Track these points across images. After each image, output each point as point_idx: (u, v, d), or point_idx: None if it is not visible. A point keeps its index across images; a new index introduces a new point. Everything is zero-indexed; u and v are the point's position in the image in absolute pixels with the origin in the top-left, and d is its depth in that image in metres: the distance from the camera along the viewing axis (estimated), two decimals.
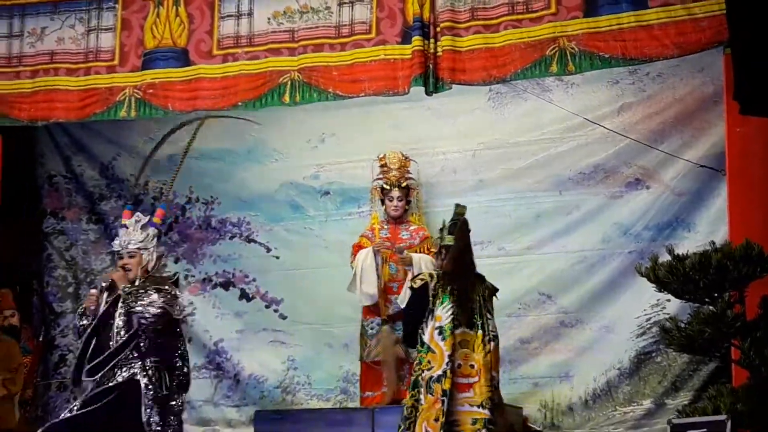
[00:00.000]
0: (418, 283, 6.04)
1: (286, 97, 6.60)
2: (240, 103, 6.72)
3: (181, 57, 6.87)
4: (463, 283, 6.03)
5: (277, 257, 8.35)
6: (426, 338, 5.88)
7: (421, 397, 5.75)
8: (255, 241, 8.41)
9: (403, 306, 6.70)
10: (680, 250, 6.30)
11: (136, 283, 6.03)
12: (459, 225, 6.12)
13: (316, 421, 7.39)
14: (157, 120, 7.64)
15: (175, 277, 6.22)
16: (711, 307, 5.96)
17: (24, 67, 6.93)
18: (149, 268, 6.09)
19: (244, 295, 8.38)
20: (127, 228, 6.13)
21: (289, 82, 6.60)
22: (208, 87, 6.72)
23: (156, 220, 6.20)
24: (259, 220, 8.39)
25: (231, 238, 8.45)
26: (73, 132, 8.66)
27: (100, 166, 8.69)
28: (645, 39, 6.29)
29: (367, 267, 7.29)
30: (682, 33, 6.26)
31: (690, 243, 7.07)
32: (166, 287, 6.01)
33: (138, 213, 6.20)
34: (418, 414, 5.75)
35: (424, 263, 7.24)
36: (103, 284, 6.04)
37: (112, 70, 6.98)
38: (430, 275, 6.08)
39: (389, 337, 7.22)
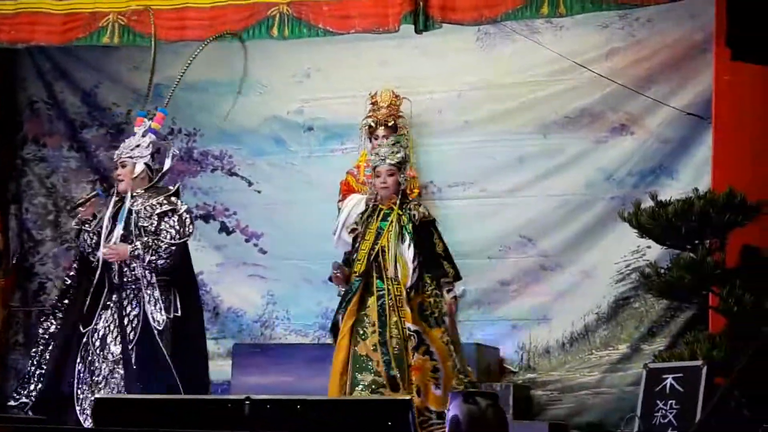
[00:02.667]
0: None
1: (275, 30, 6.54)
2: (226, 33, 6.63)
3: None
4: None
5: (259, 191, 8.32)
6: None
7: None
8: (237, 175, 8.37)
9: None
10: (663, 197, 6.34)
11: (136, 197, 5.88)
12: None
13: (294, 356, 7.45)
14: (142, 48, 7.54)
15: (177, 186, 6.08)
16: (691, 254, 5.99)
17: None
18: (151, 179, 5.98)
19: (224, 229, 8.36)
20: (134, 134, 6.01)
21: (277, 15, 6.53)
22: (196, 17, 6.64)
23: (155, 125, 6.08)
24: (241, 153, 8.34)
25: (213, 170, 8.41)
26: (56, 57, 8.54)
27: (82, 93, 8.58)
28: None
29: (354, 214, 7.23)
30: None
31: (673, 190, 7.07)
32: (168, 208, 5.88)
33: (146, 120, 6.06)
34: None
35: None
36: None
37: None
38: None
39: None
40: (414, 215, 6.03)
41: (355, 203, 7.25)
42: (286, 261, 8.17)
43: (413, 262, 5.94)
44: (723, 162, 6.63)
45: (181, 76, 6.28)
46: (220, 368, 7.97)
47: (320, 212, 7.70)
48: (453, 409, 4.85)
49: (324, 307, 7.98)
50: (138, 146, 6.03)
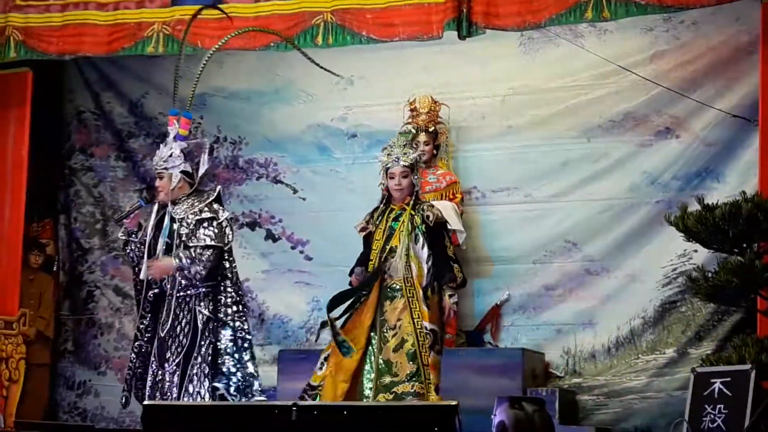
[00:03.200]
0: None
1: (319, 39, 6.57)
2: (272, 44, 6.68)
3: None
4: None
5: (304, 199, 8.37)
6: None
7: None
8: (282, 182, 8.42)
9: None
10: (709, 201, 6.26)
11: (179, 204, 5.89)
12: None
13: None
14: (187, 58, 7.61)
15: (217, 191, 6.03)
16: (739, 258, 5.94)
17: (54, 1, 6.90)
18: (181, 187, 5.95)
19: (270, 236, 8.41)
20: (166, 141, 5.99)
21: (322, 24, 6.55)
22: (241, 26, 6.66)
23: (182, 131, 6.00)
24: (286, 161, 8.39)
25: (258, 178, 8.47)
26: (103, 68, 8.66)
27: (129, 103, 8.70)
28: None
29: None
30: None
31: (718, 194, 7.01)
32: (209, 215, 5.88)
33: (175, 122, 6.01)
34: None
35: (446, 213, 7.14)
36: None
37: (141, 5, 6.95)
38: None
39: None
40: (428, 216, 6.05)
41: None
42: (332, 267, 8.16)
43: (427, 262, 5.95)
44: None
45: (198, 77, 6.23)
46: (266, 374, 8.01)
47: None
48: (499, 415, 4.84)
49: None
50: (171, 156, 5.97)
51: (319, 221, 8.27)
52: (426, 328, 5.86)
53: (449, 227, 6.70)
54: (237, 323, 5.90)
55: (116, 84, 8.70)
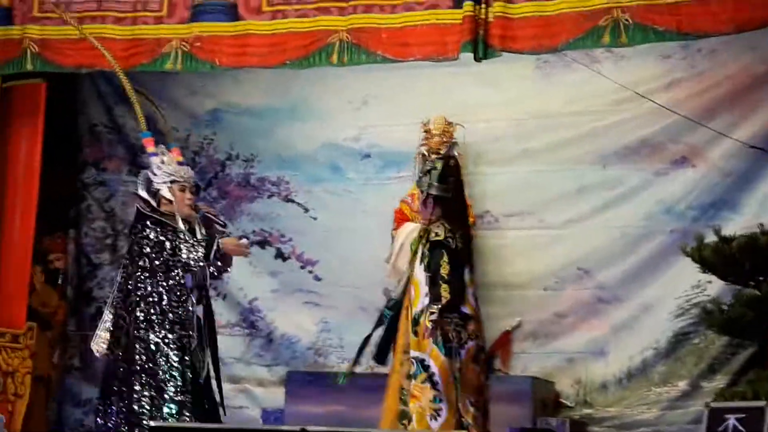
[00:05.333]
0: (451, 244, 5.67)
1: (334, 58, 6.51)
2: (287, 62, 6.64)
3: (230, 11, 6.79)
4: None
5: (315, 218, 8.31)
6: (464, 306, 5.62)
7: (463, 366, 5.54)
8: (293, 201, 8.37)
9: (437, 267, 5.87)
10: (725, 232, 6.23)
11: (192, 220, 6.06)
12: (453, 169, 5.80)
13: (348, 385, 7.35)
14: (201, 75, 7.60)
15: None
16: (755, 291, 5.88)
17: (71, 14, 6.88)
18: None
19: (280, 255, 8.36)
20: (164, 161, 6.13)
21: (337, 43, 6.50)
22: (257, 43, 6.64)
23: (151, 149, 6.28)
24: (298, 180, 8.34)
25: (269, 196, 8.42)
26: (116, 81, 8.53)
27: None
28: (701, 14, 6.14)
29: (408, 244, 7.15)
30: (740, 10, 6.11)
31: (735, 225, 6.93)
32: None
33: (161, 146, 6.28)
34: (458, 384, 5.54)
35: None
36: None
37: (159, 20, 6.92)
38: (453, 232, 5.71)
39: None
40: (434, 234, 5.82)
41: (409, 232, 7.18)
42: (341, 288, 8.14)
43: (426, 284, 5.75)
44: None
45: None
46: (273, 395, 7.99)
47: (376, 240, 7.65)
48: None
49: (379, 336, 7.93)
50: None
51: (330, 241, 8.22)
52: (411, 355, 5.67)
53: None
54: None
55: (129, 98, 8.66)
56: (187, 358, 5.92)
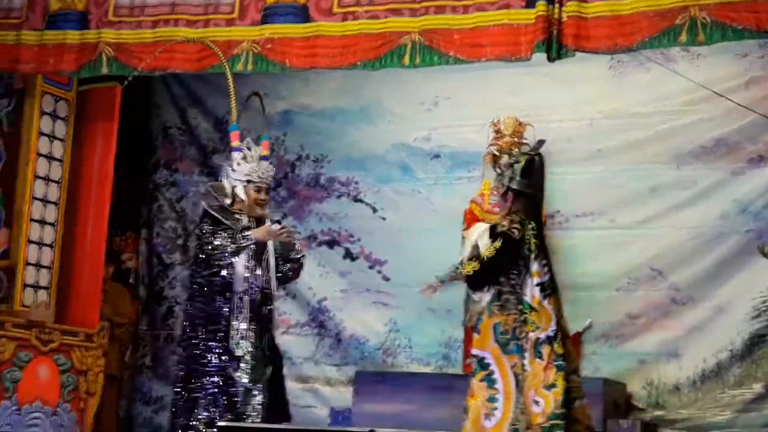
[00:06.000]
0: (516, 233, 5.44)
1: (406, 59, 6.45)
2: (359, 63, 6.59)
3: (301, 13, 6.76)
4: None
5: (384, 218, 8.32)
6: (527, 297, 5.38)
7: (525, 362, 5.26)
8: (362, 201, 8.38)
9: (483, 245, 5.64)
10: None
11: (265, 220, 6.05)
12: (537, 166, 5.62)
13: (416, 385, 7.37)
14: (270, 76, 7.61)
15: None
16: None
17: (145, 17, 6.93)
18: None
19: (349, 255, 8.37)
20: (247, 157, 6.12)
21: (409, 44, 6.45)
22: (327, 45, 6.60)
23: (265, 153, 6.23)
24: (367, 180, 8.36)
25: (338, 197, 8.44)
26: (190, 84, 8.72)
27: (214, 119, 8.74)
28: None
29: (480, 244, 7.08)
30: None
31: None
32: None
33: (248, 140, 6.25)
34: (522, 380, 5.28)
35: None
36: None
37: (231, 23, 6.91)
38: (522, 223, 5.50)
39: None
40: (500, 226, 5.59)
41: (480, 233, 7.12)
42: (410, 289, 8.13)
43: None
44: None
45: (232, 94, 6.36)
46: (341, 395, 8.00)
47: (445, 240, 7.61)
48: None
49: (447, 336, 7.92)
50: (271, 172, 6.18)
51: (398, 241, 8.22)
52: (472, 353, 5.45)
53: None
54: None
55: (202, 100, 8.74)
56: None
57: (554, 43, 6.29)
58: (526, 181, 5.58)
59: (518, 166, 5.59)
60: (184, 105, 8.78)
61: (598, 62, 7.50)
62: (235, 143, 6.22)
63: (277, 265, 6.06)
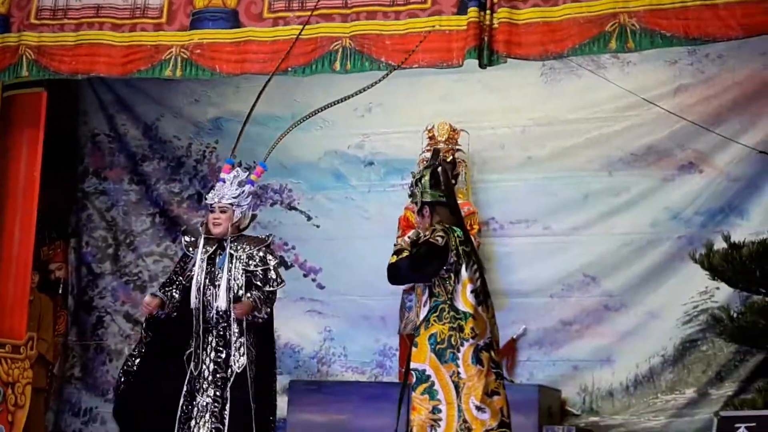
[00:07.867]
0: (439, 241, 5.33)
1: (337, 65, 6.44)
2: (290, 69, 6.56)
3: (231, 18, 6.72)
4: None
5: (318, 226, 8.26)
6: (460, 304, 5.33)
7: (460, 369, 5.23)
8: (296, 209, 8.32)
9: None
10: (733, 238, 6.15)
11: (237, 243, 5.94)
12: (441, 173, 5.56)
13: (351, 393, 7.32)
14: (203, 82, 7.53)
15: (269, 240, 6.10)
16: (766, 298, 5.81)
17: (68, 20, 6.82)
18: (240, 227, 6.00)
19: (283, 263, 8.27)
20: (224, 182, 6.03)
21: (340, 50, 6.43)
22: (258, 50, 6.56)
23: (254, 177, 6.12)
24: (301, 187, 8.30)
25: (272, 204, 8.37)
26: (118, 90, 8.59)
27: (143, 126, 8.62)
28: (709, 18, 6.03)
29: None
30: (748, 14, 5.99)
31: (743, 231, 6.90)
32: (275, 262, 5.98)
33: (237, 168, 6.11)
34: (461, 388, 5.27)
35: None
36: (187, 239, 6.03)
37: (159, 27, 6.83)
38: (447, 231, 5.39)
39: None
40: (423, 237, 5.48)
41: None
42: (344, 297, 8.09)
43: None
44: None
45: (249, 114, 6.24)
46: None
47: (379, 248, 7.53)
48: None
49: (382, 344, 7.89)
50: (241, 194, 6.05)
51: (332, 249, 8.17)
52: (410, 366, 5.39)
53: None
54: None
55: (131, 106, 8.62)
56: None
57: (486, 49, 6.31)
58: (436, 192, 5.55)
59: (425, 180, 5.57)
60: (113, 111, 8.65)
61: (530, 69, 7.52)
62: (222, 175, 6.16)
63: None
